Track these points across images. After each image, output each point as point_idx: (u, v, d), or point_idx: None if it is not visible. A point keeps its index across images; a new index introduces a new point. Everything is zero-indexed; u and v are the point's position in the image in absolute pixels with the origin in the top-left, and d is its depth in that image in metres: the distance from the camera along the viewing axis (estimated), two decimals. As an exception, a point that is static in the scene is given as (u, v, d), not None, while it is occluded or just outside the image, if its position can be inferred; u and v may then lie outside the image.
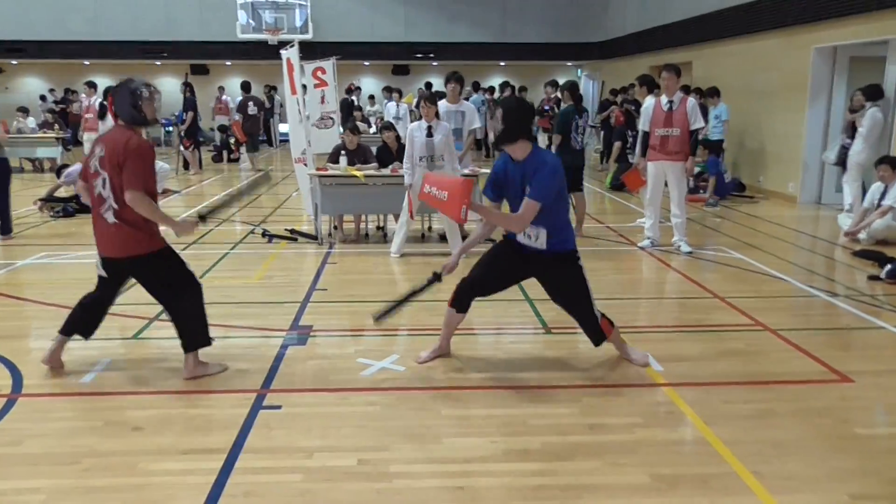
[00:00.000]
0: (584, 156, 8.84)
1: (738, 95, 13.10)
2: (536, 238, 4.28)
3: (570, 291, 4.44)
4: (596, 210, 11.01)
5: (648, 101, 8.25)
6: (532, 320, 5.61)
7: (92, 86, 14.75)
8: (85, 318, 4.55)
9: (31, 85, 24.20)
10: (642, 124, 8.13)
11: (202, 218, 4.48)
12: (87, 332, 4.61)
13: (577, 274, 4.38)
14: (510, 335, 5.34)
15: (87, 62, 23.21)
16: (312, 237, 8.48)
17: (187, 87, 15.86)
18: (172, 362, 4.71)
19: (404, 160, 7.55)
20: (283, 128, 21.68)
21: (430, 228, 9.19)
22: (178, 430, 3.76)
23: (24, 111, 17.51)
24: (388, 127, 8.91)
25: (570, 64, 24.97)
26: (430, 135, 7.37)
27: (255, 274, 7.09)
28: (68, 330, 4.56)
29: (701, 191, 11.80)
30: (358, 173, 8.11)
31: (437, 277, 4.50)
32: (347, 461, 3.46)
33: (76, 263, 7.46)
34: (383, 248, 8.17)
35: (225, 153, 18.67)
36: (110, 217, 4.20)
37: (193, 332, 4.43)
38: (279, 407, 4.04)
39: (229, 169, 17.34)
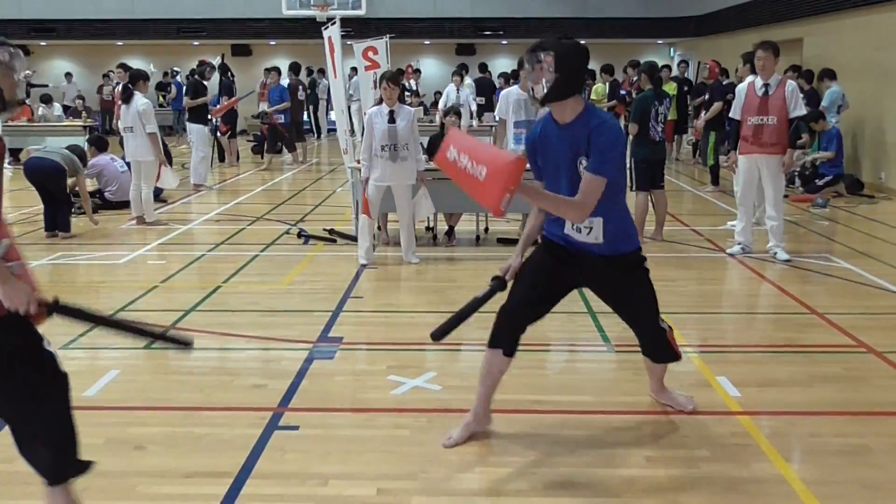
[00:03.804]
0: (664, 148, 8.72)
1: (857, 77, 12.69)
2: (590, 230, 3.74)
3: (637, 302, 4.01)
4: (679, 210, 10.80)
5: (741, 86, 8.10)
6: (593, 336, 5.57)
7: (126, 69, 15.14)
8: None
9: (60, 68, 25.21)
10: (733, 111, 7.99)
11: (57, 309, 2.96)
12: None
13: (645, 280, 3.95)
14: (565, 352, 5.31)
15: (119, 43, 24.10)
16: (353, 238, 8.57)
17: (219, 68, 15.94)
18: (184, 375, 4.86)
19: (361, 151, 7.57)
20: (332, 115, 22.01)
21: (486, 230, 9.20)
22: (184, 450, 3.88)
23: (48, 100, 18.07)
24: (453, 111, 8.82)
25: (660, 42, 24.64)
26: (391, 121, 7.32)
27: (285, 279, 7.25)
28: None
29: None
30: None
31: (500, 284, 3.88)
32: (365, 490, 3.50)
33: (91, 265, 7.81)
34: (431, 252, 8.23)
35: (266, 144, 18.98)
36: None
37: (64, 450, 2.94)
38: (296, 427, 4.12)
39: (270, 161, 17.66)
